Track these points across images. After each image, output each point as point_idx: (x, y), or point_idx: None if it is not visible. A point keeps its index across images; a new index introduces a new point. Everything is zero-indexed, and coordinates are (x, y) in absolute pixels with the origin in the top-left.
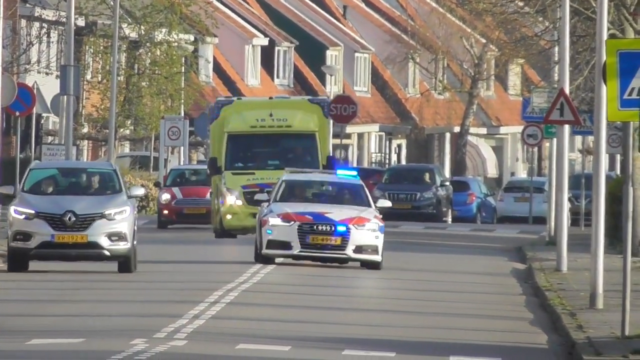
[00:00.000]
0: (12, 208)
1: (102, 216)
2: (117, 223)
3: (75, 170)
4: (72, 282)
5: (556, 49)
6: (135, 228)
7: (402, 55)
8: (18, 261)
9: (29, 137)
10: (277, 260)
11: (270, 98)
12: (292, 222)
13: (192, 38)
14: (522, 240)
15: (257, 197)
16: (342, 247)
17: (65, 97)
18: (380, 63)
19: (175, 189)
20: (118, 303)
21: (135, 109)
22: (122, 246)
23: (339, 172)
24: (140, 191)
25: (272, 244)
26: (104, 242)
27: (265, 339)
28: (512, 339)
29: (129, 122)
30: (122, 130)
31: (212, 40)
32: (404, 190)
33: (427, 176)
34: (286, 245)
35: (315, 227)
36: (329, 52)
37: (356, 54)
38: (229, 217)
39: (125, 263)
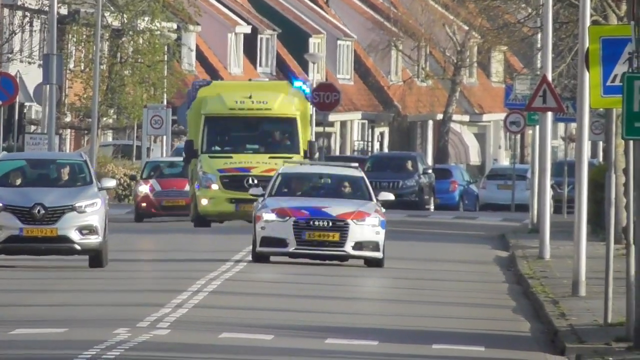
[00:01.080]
0: None
1: (73, 209)
2: (87, 216)
3: (44, 161)
4: (50, 272)
5: (539, 35)
6: (107, 221)
7: (384, 42)
8: None
9: (11, 127)
10: (272, 258)
11: (250, 80)
12: (287, 218)
13: (174, 26)
14: (505, 228)
15: (252, 191)
16: (340, 243)
17: (47, 86)
18: (362, 50)
19: (153, 181)
20: (100, 293)
21: (118, 98)
22: (93, 240)
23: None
24: (112, 183)
25: (266, 241)
26: (74, 235)
27: (248, 327)
28: (495, 327)
29: (112, 111)
30: (104, 119)
31: (195, 28)
32: (386, 178)
33: (409, 164)
34: (281, 242)
35: (311, 222)
36: (311, 40)
37: (339, 42)
38: (204, 202)
39: (96, 257)
